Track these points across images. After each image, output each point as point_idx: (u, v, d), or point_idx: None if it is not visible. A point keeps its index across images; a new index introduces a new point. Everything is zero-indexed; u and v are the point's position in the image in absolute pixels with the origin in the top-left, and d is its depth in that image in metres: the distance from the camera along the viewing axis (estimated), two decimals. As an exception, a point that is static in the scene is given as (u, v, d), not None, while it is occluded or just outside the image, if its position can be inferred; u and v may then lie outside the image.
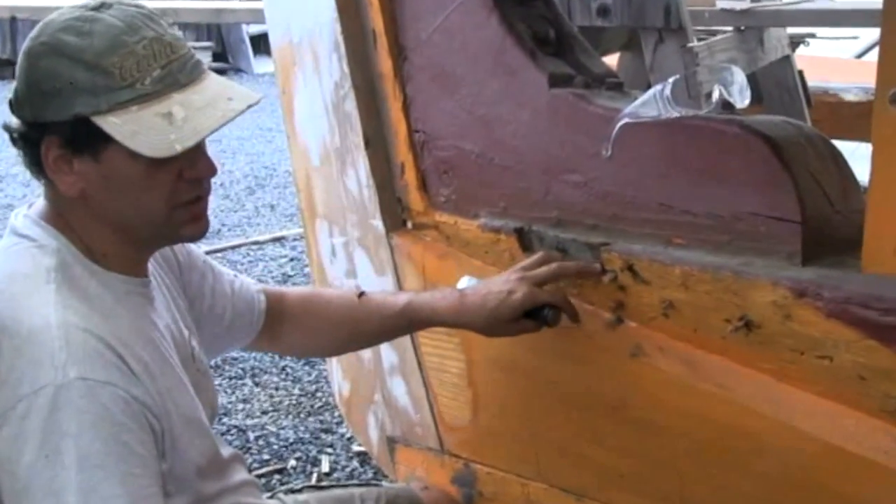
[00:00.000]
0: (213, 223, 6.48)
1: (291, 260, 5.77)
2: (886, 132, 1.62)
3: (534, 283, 1.99)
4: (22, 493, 1.51)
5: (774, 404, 1.77)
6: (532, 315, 2.01)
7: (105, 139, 1.59)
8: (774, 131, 1.81)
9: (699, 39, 3.80)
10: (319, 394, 4.15)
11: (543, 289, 2.01)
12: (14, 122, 1.67)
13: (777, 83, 4.45)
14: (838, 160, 1.85)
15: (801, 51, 4.83)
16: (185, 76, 1.63)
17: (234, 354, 4.33)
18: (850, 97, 4.77)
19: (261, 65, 12.93)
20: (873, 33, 6.38)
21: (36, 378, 1.53)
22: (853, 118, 4.52)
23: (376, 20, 2.35)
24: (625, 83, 2.13)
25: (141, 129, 1.58)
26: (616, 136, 1.94)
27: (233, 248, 5.96)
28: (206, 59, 12.73)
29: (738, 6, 4.27)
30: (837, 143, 1.91)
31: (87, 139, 1.60)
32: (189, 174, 1.67)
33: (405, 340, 2.46)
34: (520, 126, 2.13)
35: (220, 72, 12.57)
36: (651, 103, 1.90)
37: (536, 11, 2.19)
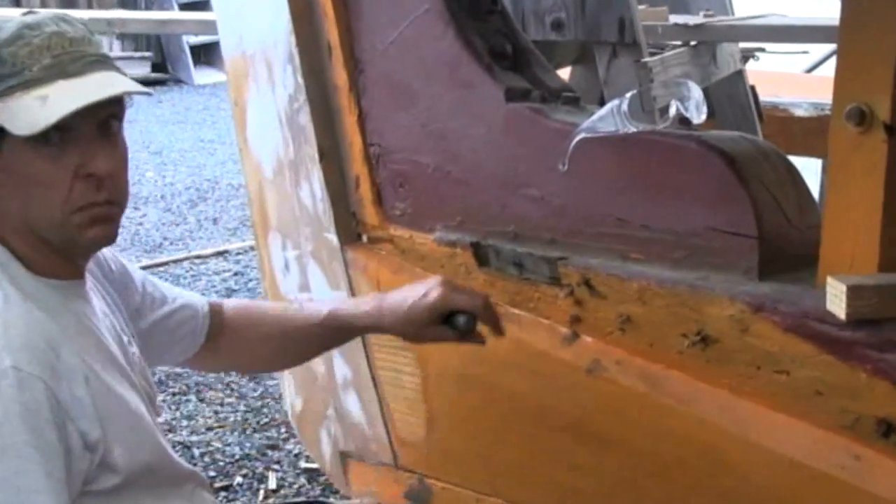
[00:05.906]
0: (155, 237, 6.46)
1: (235, 274, 5.69)
2: (842, 148, 1.63)
3: (453, 289, 1.97)
4: None
5: (732, 419, 1.77)
6: (449, 322, 1.98)
7: (2, 130, 1.57)
8: (731, 147, 1.81)
9: (651, 54, 3.80)
10: (265, 410, 4.11)
11: (463, 294, 1.98)
12: None
13: (729, 98, 4.47)
14: (794, 176, 1.85)
15: (750, 65, 4.85)
16: (75, 67, 1.59)
17: (178, 370, 4.28)
18: (800, 112, 4.79)
19: (202, 76, 12.69)
20: (824, 48, 6.43)
21: None
22: (803, 134, 4.54)
23: (332, 32, 2.33)
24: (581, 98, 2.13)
25: (20, 111, 1.55)
26: (573, 150, 1.93)
27: (175, 262, 5.85)
28: (144, 69, 12.56)
29: (692, 21, 4.28)
30: (789, 159, 1.92)
31: None
32: (84, 170, 1.60)
33: (359, 354, 2.44)
34: (476, 140, 2.12)
35: (160, 82, 12.44)
36: (608, 118, 1.90)
37: (493, 25, 2.19)
